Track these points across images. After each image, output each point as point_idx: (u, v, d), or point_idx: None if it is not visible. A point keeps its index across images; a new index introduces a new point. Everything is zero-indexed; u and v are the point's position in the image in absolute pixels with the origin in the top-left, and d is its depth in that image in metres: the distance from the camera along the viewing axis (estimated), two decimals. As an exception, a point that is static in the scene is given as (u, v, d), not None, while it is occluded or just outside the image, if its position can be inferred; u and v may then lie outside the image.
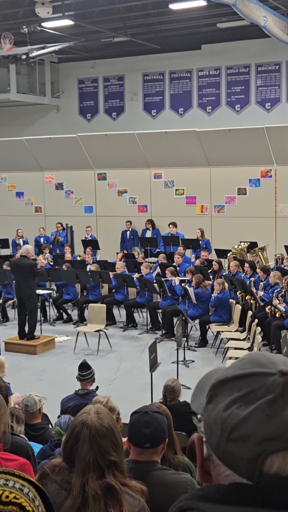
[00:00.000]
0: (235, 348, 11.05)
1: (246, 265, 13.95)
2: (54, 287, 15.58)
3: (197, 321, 12.81)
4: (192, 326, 12.90)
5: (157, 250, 17.26)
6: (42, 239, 18.66)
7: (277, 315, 11.91)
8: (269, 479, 1.10)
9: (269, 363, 1.16)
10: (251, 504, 1.10)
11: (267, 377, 1.13)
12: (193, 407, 1.29)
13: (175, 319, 12.80)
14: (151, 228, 18.38)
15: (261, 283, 12.92)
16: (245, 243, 16.09)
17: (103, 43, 22.78)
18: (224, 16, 19.81)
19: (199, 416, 1.24)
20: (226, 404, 1.14)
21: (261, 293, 12.65)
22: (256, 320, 11.23)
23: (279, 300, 11.94)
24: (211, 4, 17.61)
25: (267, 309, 12.22)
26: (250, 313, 11.88)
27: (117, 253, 16.90)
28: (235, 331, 12.12)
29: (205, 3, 17.48)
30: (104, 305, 13.26)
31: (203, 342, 12.62)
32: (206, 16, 20.19)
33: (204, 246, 16.73)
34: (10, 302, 15.05)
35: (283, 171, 17.28)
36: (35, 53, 20.07)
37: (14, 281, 13.70)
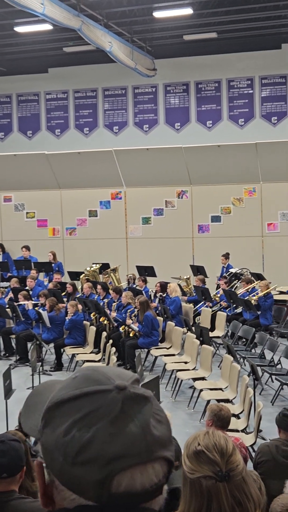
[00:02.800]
0: (91, 370, 11.03)
1: (99, 286, 14.06)
2: None
3: (51, 344, 12.70)
4: (47, 350, 12.76)
5: (9, 274, 16.96)
6: None
7: (130, 335, 12.09)
8: (118, 498, 1.08)
9: (104, 378, 1.14)
10: None
11: (105, 394, 1.11)
12: (25, 429, 1.24)
13: (29, 344, 12.61)
14: (1, 252, 18.05)
15: (114, 304, 13.06)
16: (98, 265, 16.22)
17: None
18: (70, 41, 20.00)
19: (32, 439, 1.20)
20: (66, 427, 1.10)
21: (114, 313, 12.78)
22: (111, 341, 11.33)
23: (132, 320, 12.12)
24: (57, 28, 17.73)
25: (121, 329, 12.36)
26: (104, 334, 11.96)
27: None
28: (90, 352, 12.13)
29: (51, 27, 17.57)
30: None
31: (58, 365, 12.51)
32: (53, 40, 20.28)
33: (57, 269, 16.66)
34: None
35: (132, 193, 17.65)
36: None
37: None
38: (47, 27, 17.64)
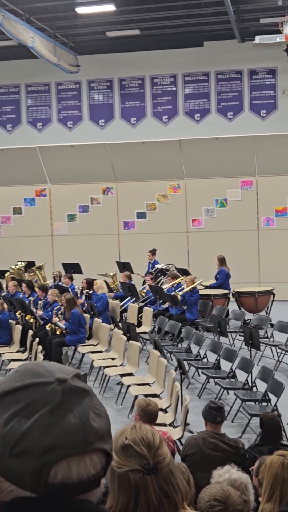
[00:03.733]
0: (17, 369, 10.89)
1: (24, 284, 13.92)
2: None
3: (-24, 344, 12.49)
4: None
5: None
6: None
7: (57, 333, 12.00)
8: (55, 488, 1.10)
9: (45, 372, 1.17)
10: None
11: (45, 386, 1.13)
12: None
13: None
14: None
15: (40, 302, 12.95)
16: (23, 263, 16.04)
17: None
18: (-8, 35, 19.68)
19: None
20: (5, 419, 1.12)
21: (40, 312, 12.67)
22: (37, 339, 11.22)
23: (59, 317, 12.05)
24: (-22, 23, 17.40)
25: (47, 327, 12.26)
26: (30, 332, 11.84)
27: None
28: (16, 351, 11.99)
29: (-29, 21, 17.23)
30: None
31: (-16, 365, 12.32)
32: (-27, 35, 19.91)
33: (-19, 267, 16.39)
34: None
35: (57, 190, 17.53)
36: None
37: None
38: None
